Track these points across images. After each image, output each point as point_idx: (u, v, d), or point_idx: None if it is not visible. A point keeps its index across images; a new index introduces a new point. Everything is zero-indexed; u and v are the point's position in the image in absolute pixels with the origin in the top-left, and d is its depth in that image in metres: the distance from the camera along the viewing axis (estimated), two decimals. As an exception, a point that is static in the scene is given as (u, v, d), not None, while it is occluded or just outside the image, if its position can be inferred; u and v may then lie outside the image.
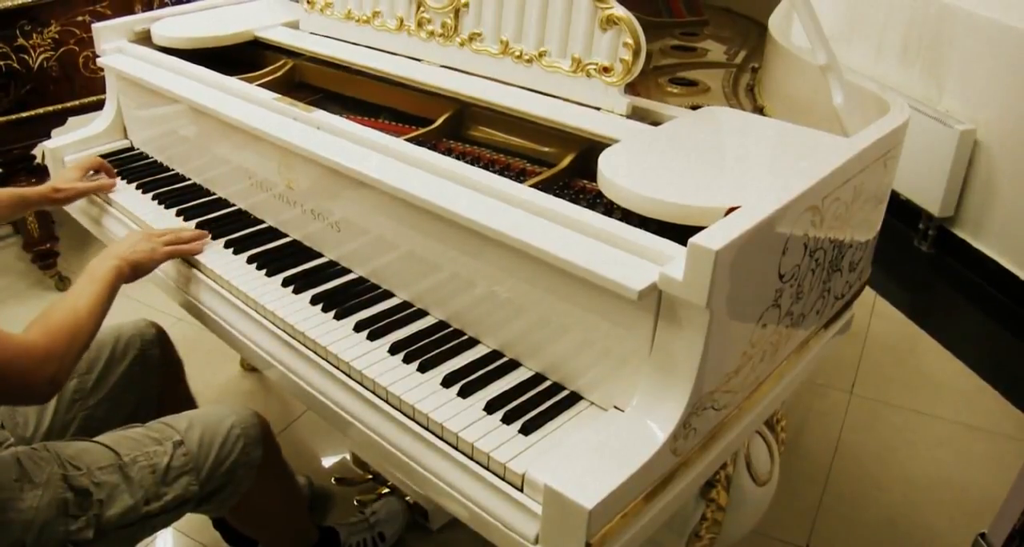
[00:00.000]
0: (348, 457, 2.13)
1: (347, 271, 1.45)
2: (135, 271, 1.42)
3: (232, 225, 1.61)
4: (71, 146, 1.92)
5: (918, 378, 2.52)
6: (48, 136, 2.60)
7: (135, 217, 1.68)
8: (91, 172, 1.78)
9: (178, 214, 1.66)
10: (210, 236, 1.57)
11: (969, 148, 2.93)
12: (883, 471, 2.14)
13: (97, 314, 1.28)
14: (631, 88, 1.43)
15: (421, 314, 1.33)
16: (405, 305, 1.36)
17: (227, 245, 1.54)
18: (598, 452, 0.99)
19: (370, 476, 2.00)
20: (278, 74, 1.82)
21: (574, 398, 1.15)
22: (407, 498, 1.91)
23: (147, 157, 1.92)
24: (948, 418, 2.34)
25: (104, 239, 1.81)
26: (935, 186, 3.03)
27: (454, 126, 1.56)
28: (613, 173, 1.13)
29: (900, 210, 3.20)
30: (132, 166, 1.87)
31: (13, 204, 1.61)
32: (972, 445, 2.25)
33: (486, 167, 1.43)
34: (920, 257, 3.21)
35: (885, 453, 2.21)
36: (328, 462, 2.17)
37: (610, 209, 1.23)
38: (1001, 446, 2.24)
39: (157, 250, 1.47)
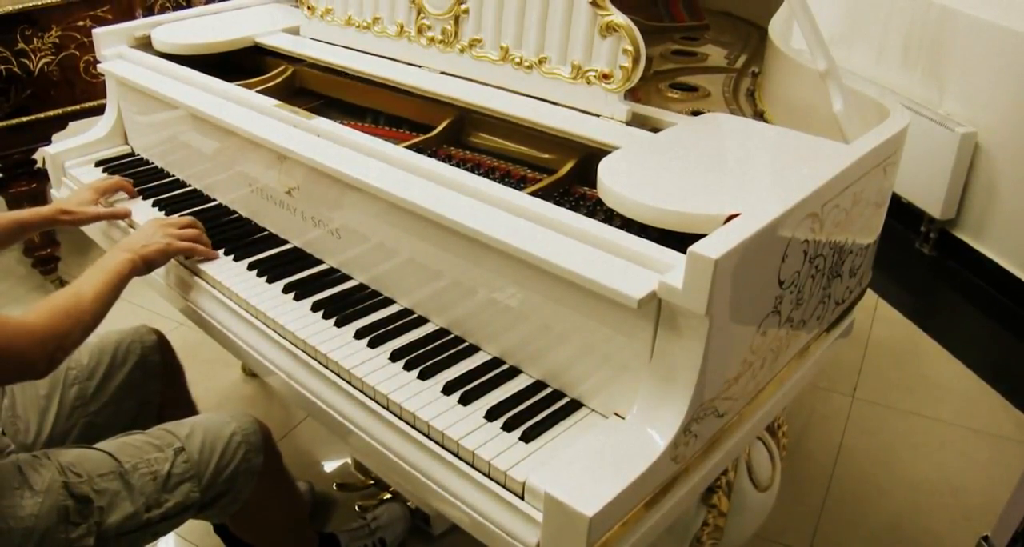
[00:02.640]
0: (350, 462, 2.13)
1: (347, 278, 1.45)
2: (148, 265, 1.42)
3: (232, 231, 1.61)
4: (72, 151, 1.92)
5: (920, 381, 2.51)
6: (49, 141, 2.61)
7: (134, 222, 1.68)
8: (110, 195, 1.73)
9: (179, 220, 1.66)
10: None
11: (970, 151, 2.93)
12: (885, 474, 2.14)
13: (102, 301, 1.28)
14: (631, 93, 1.43)
15: (421, 321, 1.33)
16: (405, 312, 1.35)
17: (227, 252, 1.54)
18: (598, 459, 0.99)
19: (372, 481, 2.00)
20: (278, 80, 1.82)
21: (574, 405, 1.15)
22: (408, 503, 1.91)
23: (147, 163, 1.92)
24: (950, 421, 2.34)
25: (104, 245, 1.81)
26: (936, 189, 3.03)
27: (454, 132, 1.56)
28: (612, 180, 1.14)
29: (901, 213, 3.20)
30: (132, 172, 1.87)
31: (10, 231, 1.55)
32: (975, 448, 2.24)
33: (486, 174, 1.43)
34: (922, 260, 3.21)
35: (887, 456, 2.20)
36: (329, 467, 2.17)
37: (610, 216, 1.23)
38: (1004, 449, 2.24)
39: (172, 244, 1.45)
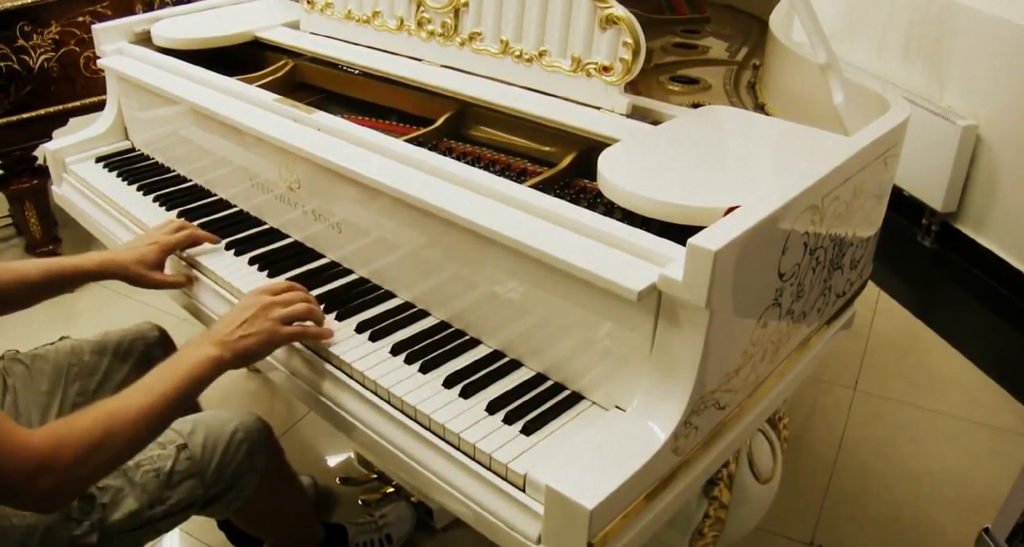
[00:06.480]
0: (352, 456, 2.14)
1: (348, 272, 1.45)
2: (243, 360, 1.16)
3: (233, 227, 1.61)
4: (72, 147, 1.92)
5: (921, 374, 2.51)
6: (49, 137, 2.61)
7: (135, 219, 1.68)
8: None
9: (179, 216, 1.66)
10: (334, 315, 1.30)
11: (971, 143, 2.93)
12: (887, 467, 2.14)
13: (155, 419, 1.05)
14: (632, 86, 1.43)
15: (422, 315, 1.33)
16: (407, 306, 1.36)
17: (228, 246, 1.54)
18: (599, 452, 0.99)
19: (374, 475, 2.00)
20: (278, 75, 1.82)
21: (575, 398, 1.15)
22: (412, 497, 1.92)
23: (148, 158, 1.92)
24: (952, 414, 2.34)
25: (105, 241, 1.80)
26: (938, 182, 3.03)
27: (454, 126, 1.56)
28: (612, 173, 1.13)
29: (903, 206, 3.19)
30: (133, 167, 1.87)
31: (41, 284, 1.31)
32: (976, 441, 2.25)
33: (487, 167, 1.43)
34: (923, 252, 3.21)
35: (889, 449, 2.21)
36: (332, 462, 2.18)
37: (611, 209, 1.23)
38: (1005, 441, 2.24)
39: (278, 332, 1.18)
